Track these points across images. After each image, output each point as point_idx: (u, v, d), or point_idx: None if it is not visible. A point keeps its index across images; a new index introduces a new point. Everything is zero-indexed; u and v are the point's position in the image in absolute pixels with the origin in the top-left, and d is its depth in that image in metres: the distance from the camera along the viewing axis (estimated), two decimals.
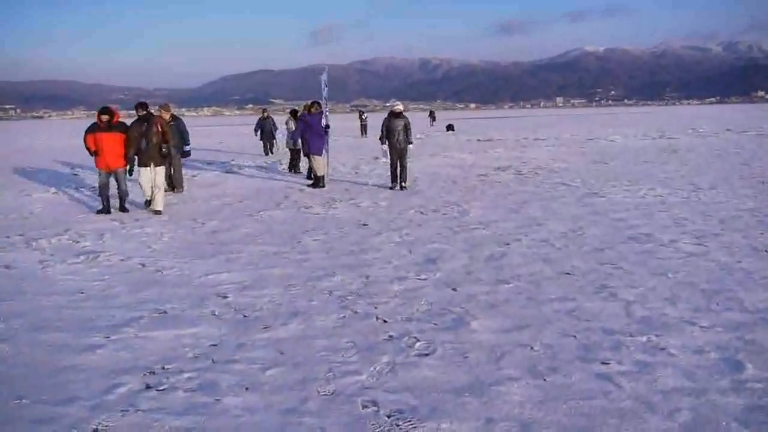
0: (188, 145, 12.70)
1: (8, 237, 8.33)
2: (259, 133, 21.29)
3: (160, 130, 10.07)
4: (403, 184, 12.35)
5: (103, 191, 10.16)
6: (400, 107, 12.66)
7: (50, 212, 10.35)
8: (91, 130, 10.04)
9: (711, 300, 5.10)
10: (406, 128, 12.24)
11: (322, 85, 14.02)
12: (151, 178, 10.07)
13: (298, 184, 13.43)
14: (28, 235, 8.39)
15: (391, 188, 12.32)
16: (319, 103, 13.24)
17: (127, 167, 10.12)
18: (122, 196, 10.32)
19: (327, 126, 13.24)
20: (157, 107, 12.11)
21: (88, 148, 10.11)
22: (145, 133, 9.94)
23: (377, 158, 17.39)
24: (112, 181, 10.27)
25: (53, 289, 5.89)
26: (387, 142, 12.33)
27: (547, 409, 3.35)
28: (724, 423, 3.16)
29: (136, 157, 10.03)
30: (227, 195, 12.17)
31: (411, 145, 12.48)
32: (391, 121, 12.31)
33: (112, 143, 9.89)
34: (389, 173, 12.70)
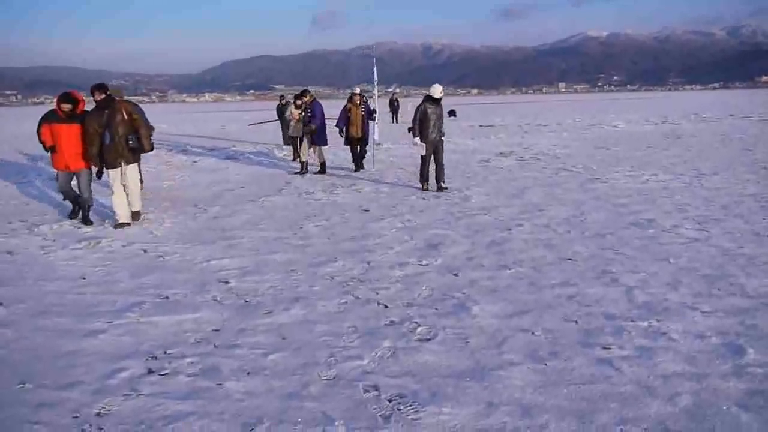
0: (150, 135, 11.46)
1: (10, 223, 8.35)
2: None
3: (126, 117, 7.81)
4: (441, 184, 10.24)
5: (68, 195, 8.47)
6: (439, 91, 10.16)
7: (51, 198, 10.34)
8: (48, 119, 8.07)
9: (712, 285, 5.10)
10: (440, 118, 10.14)
11: (374, 67, 13.24)
12: (125, 180, 8.07)
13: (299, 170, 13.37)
14: (30, 221, 8.40)
15: (423, 190, 10.21)
16: (309, 92, 12.87)
17: (95, 169, 8.17)
18: (84, 204, 8.37)
19: (374, 111, 12.89)
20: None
21: (42, 143, 8.14)
22: (107, 124, 7.73)
23: (381, 145, 16.90)
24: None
25: (55, 274, 5.91)
26: (421, 135, 10.00)
27: (548, 393, 3.36)
28: (724, 407, 3.17)
29: (100, 156, 7.94)
30: (228, 181, 12.16)
31: (443, 139, 10.35)
32: (427, 108, 9.96)
33: (74, 138, 7.92)
34: (419, 171, 10.47)
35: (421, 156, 10.22)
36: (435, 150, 10.13)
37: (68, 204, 8.88)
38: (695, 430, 2.98)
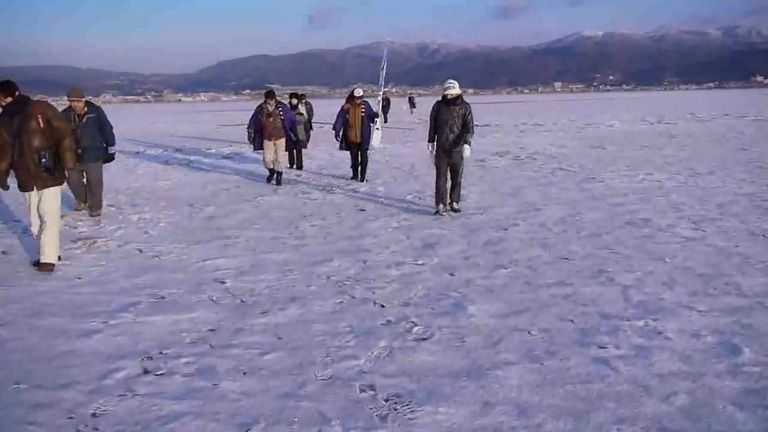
0: (112, 145, 8.97)
1: (5, 223, 8.31)
2: None
3: (42, 125, 5.80)
4: (453, 204, 8.44)
5: None
6: (454, 89, 8.08)
7: None
8: None
9: (708, 284, 5.11)
10: (465, 121, 8.12)
11: (383, 64, 11.90)
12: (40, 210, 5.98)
13: (294, 171, 13.36)
14: (25, 221, 8.35)
15: (436, 212, 8.29)
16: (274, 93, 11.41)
17: None
18: None
19: (377, 114, 11.54)
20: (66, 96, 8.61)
21: None
22: (17, 133, 5.77)
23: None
24: None
25: (50, 274, 5.88)
26: (436, 141, 8.31)
27: (544, 392, 3.36)
28: (720, 406, 3.17)
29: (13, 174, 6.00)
30: (224, 180, 12.13)
31: (467, 147, 8.09)
32: (440, 109, 8.15)
33: None
34: (434, 190, 8.51)
35: (436, 170, 8.33)
36: (451, 162, 8.21)
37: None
38: (691, 429, 2.99)
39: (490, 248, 6.50)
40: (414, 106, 43.74)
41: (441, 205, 8.30)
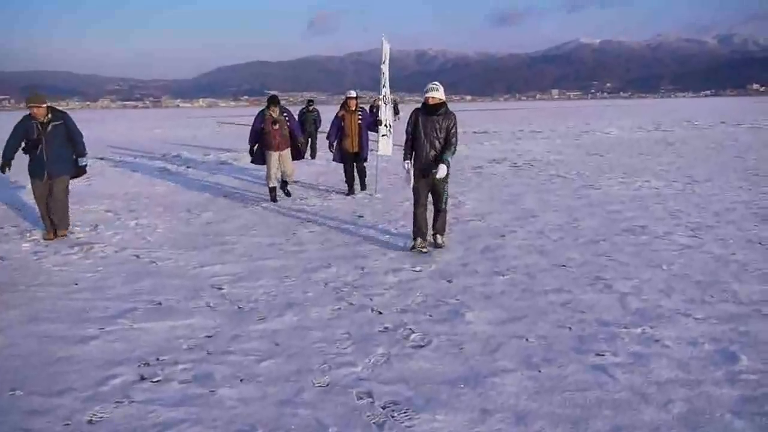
0: (83, 156, 7.74)
1: (2, 228, 8.29)
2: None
3: None
4: (438, 237, 6.86)
5: None
6: (437, 92, 6.51)
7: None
8: None
9: (705, 292, 5.12)
10: (448, 134, 6.54)
11: (383, 59, 10.36)
12: None
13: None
14: (22, 227, 8.35)
15: (412, 247, 6.73)
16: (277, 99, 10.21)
17: None
18: None
19: (378, 121, 10.40)
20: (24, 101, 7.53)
21: None
22: None
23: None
24: None
25: (47, 280, 5.87)
26: (413, 158, 6.71)
27: (542, 400, 3.36)
28: (718, 414, 3.17)
29: None
30: (222, 186, 12.12)
31: (443, 166, 6.43)
32: (419, 119, 6.60)
33: None
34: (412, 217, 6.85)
35: (414, 193, 6.79)
36: (433, 184, 6.67)
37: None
38: None
39: (487, 255, 6.50)
40: (397, 113, 40.96)
41: (419, 240, 6.70)
